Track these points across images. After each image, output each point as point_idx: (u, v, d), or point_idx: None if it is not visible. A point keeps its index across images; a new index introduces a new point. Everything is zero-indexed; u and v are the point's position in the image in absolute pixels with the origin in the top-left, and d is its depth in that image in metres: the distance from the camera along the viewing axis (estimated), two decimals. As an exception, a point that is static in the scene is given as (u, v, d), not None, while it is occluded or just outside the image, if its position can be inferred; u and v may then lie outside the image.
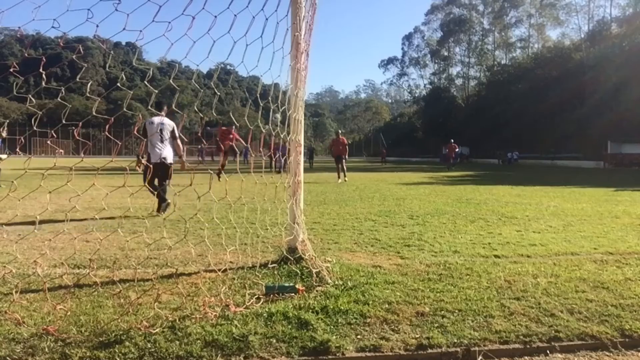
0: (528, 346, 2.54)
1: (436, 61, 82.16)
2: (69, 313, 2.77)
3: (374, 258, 4.38)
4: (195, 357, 2.34)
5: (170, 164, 7.00)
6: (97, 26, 2.63)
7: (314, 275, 3.45)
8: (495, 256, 4.49)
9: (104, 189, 7.22)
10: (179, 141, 7.44)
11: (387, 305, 3.01)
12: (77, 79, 3.89)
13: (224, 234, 4.88)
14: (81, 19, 2.60)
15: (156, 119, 7.25)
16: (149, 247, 4.50)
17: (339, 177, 16.26)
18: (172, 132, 7.35)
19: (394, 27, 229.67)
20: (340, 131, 18.51)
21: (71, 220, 6.43)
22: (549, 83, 50.58)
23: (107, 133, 5.33)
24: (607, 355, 2.50)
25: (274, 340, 2.51)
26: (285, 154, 3.89)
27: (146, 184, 6.04)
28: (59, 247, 4.74)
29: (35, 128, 2.98)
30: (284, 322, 2.73)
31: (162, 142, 7.11)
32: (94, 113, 5.21)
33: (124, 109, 3.21)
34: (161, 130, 7.16)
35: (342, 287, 3.35)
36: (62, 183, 3.70)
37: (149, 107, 3.05)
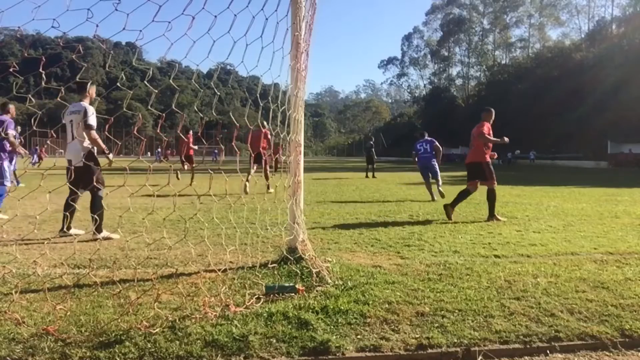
0: (528, 346, 2.54)
1: (436, 61, 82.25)
2: (69, 313, 2.77)
3: (374, 258, 4.38)
4: (195, 357, 2.34)
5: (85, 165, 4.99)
6: (97, 26, 2.63)
7: (314, 275, 3.45)
8: (495, 256, 4.49)
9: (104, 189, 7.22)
10: (93, 133, 5.22)
11: (387, 305, 3.01)
12: (77, 79, 3.89)
13: (224, 234, 4.88)
14: (81, 19, 2.60)
15: (71, 107, 5.38)
16: (149, 247, 4.50)
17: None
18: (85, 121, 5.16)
19: (394, 27, 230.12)
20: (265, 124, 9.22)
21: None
22: (549, 83, 50.57)
23: (107, 133, 5.34)
24: (607, 355, 2.50)
25: (274, 340, 2.51)
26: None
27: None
28: (59, 247, 4.74)
29: (35, 128, 2.98)
30: (284, 322, 2.73)
31: (72, 138, 5.26)
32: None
33: (124, 109, 3.21)
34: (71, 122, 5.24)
35: (342, 287, 3.35)
36: (62, 183, 3.70)
37: (149, 107, 3.04)
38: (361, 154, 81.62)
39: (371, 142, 20.47)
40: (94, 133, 5.19)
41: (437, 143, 10.45)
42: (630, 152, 36.11)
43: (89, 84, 5.43)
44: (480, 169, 6.92)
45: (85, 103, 5.28)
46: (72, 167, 4.95)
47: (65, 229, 5.22)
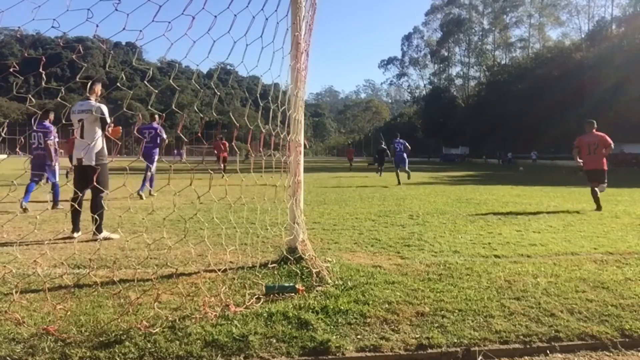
0: (528, 346, 2.54)
1: (436, 61, 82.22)
2: (69, 313, 2.77)
3: (374, 258, 4.38)
4: (195, 357, 2.34)
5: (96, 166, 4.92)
6: (97, 26, 2.63)
7: (314, 275, 3.45)
8: (495, 256, 4.49)
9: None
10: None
11: (387, 305, 3.01)
12: (77, 79, 3.89)
13: (224, 234, 4.88)
14: (81, 19, 2.61)
15: (79, 106, 5.30)
16: (149, 247, 4.50)
17: None
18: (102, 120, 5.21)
19: (394, 27, 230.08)
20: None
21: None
22: (549, 83, 50.51)
23: (107, 133, 5.34)
24: (607, 355, 2.50)
25: (274, 340, 2.51)
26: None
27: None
28: (59, 247, 4.74)
29: (35, 128, 2.98)
30: (284, 322, 2.73)
31: (82, 137, 5.17)
32: (93, 113, 5.22)
33: (124, 109, 3.21)
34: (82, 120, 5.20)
35: (342, 287, 3.35)
36: (62, 183, 3.70)
37: (149, 107, 3.04)
38: (361, 154, 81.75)
39: (383, 146, 21.48)
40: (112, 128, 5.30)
41: (406, 144, 15.37)
42: (622, 152, 36.11)
43: (93, 81, 5.49)
44: (603, 174, 8.41)
45: (94, 101, 5.28)
46: (82, 166, 4.99)
47: (95, 231, 5.12)
